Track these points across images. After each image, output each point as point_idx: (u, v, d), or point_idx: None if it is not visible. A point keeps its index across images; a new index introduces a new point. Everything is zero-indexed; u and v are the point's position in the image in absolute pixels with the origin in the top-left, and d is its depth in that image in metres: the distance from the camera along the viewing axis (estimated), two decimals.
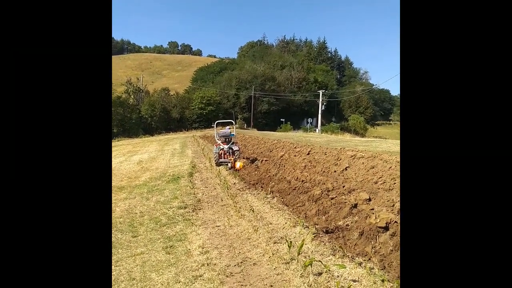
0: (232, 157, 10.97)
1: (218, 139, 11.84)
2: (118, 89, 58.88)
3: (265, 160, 11.01)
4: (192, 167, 11.59)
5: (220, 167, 11.21)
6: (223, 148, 11.37)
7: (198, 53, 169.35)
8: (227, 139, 11.61)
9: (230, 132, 11.94)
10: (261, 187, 7.57)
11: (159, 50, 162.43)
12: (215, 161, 11.51)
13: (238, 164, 10.44)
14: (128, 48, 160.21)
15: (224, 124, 15.44)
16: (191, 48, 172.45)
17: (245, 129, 47.65)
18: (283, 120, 53.53)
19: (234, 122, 13.46)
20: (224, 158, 11.33)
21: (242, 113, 56.42)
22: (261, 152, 14.39)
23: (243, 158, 12.09)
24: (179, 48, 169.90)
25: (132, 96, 53.80)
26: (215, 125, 13.35)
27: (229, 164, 10.76)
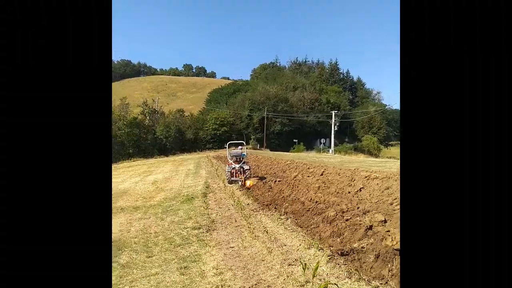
0: (243, 176, 11.36)
1: (230, 159, 12.38)
2: (134, 110, 60.25)
3: (279, 181, 10.97)
4: (206, 187, 11.63)
5: (234, 187, 11.28)
6: (234, 167, 11.81)
7: (212, 75, 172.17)
8: (238, 159, 12.15)
9: (241, 152, 12.49)
10: (275, 208, 7.52)
11: (174, 72, 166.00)
12: (227, 179, 11.96)
13: (248, 182, 10.76)
14: (144, 70, 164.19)
15: (236, 145, 16.05)
16: (205, 71, 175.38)
17: (258, 149, 47.70)
18: (296, 140, 53.51)
19: (244, 143, 14.07)
20: (236, 176, 11.73)
21: (255, 133, 56.76)
22: (274, 173, 14.32)
23: (256, 177, 12.19)
24: (194, 70, 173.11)
25: (147, 117, 54.80)
26: (227, 146, 14.03)
27: (240, 182, 11.22)
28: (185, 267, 4.40)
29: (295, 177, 11.70)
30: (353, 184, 8.53)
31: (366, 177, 8.53)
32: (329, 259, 4.19)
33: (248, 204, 8.35)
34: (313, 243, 4.81)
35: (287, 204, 7.54)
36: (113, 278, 4.08)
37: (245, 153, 12.73)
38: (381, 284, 3.48)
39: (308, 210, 6.66)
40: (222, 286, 3.74)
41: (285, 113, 60.26)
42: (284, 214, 6.79)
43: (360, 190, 7.91)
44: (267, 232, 5.66)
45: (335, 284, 3.43)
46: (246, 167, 11.78)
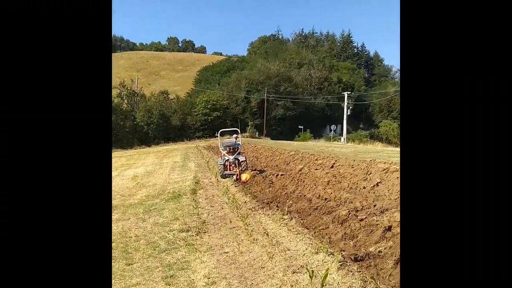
0: (238, 169, 11.52)
1: (222, 150, 12.56)
2: None
3: (281, 175, 11.07)
4: (196, 183, 11.68)
5: (228, 182, 11.39)
6: (228, 159, 11.96)
7: (202, 50, 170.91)
8: (232, 149, 12.33)
9: (236, 142, 12.70)
10: (277, 206, 7.57)
11: (156, 47, 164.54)
12: (220, 173, 12.12)
13: (244, 176, 10.94)
14: (121, 45, 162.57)
15: (230, 133, 16.21)
16: (194, 45, 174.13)
17: (257, 138, 47.79)
18: (302, 127, 53.43)
19: (239, 131, 14.24)
20: (230, 170, 11.88)
21: (253, 119, 56.68)
22: (276, 165, 14.44)
23: (254, 171, 12.29)
24: (180, 44, 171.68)
25: (125, 101, 54.70)
26: (219, 135, 14.12)
27: (235, 176, 11.37)
28: (171, 276, 4.44)
29: (300, 170, 11.80)
30: (369, 178, 8.56)
31: (384, 169, 8.55)
32: (341, 265, 4.21)
33: (245, 202, 8.39)
34: (322, 247, 4.84)
35: (291, 202, 7.60)
36: None
37: (239, 143, 12.94)
38: None
39: (316, 209, 6.72)
40: None
41: (288, 95, 60.09)
42: (287, 214, 6.83)
43: (377, 185, 7.95)
44: (267, 234, 5.70)
45: None
46: (241, 158, 11.93)
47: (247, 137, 44.87)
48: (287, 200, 7.82)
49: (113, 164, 22.18)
